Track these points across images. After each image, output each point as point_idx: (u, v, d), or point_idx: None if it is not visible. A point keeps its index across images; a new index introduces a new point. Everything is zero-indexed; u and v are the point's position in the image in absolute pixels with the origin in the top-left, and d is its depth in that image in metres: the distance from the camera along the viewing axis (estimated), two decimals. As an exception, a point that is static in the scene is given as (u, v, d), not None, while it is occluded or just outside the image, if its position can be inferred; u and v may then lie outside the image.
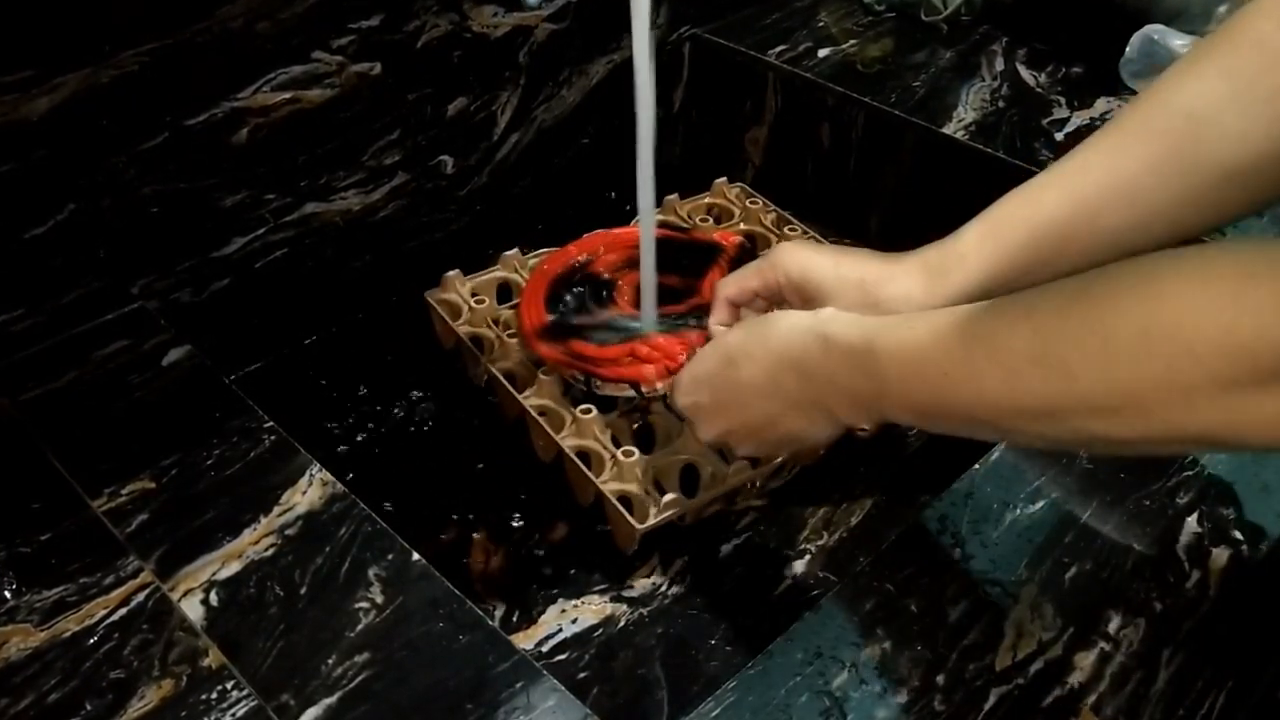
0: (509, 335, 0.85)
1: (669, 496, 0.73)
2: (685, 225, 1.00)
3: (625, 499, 0.74)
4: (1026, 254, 0.63)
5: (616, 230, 0.93)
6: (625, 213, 1.05)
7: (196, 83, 0.81)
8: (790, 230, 1.00)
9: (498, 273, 0.92)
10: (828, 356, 0.58)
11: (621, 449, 0.76)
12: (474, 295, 0.89)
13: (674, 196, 1.03)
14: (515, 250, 0.92)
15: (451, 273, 0.90)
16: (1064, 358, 0.46)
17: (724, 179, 1.06)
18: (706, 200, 1.05)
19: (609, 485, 0.74)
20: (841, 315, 0.59)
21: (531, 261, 0.92)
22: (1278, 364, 0.40)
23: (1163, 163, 0.60)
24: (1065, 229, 0.62)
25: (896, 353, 0.54)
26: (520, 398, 0.80)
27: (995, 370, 0.50)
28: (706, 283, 0.86)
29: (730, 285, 0.73)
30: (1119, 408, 0.45)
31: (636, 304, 0.81)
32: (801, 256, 0.69)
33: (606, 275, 0.87)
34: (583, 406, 0.78)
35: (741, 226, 1.01)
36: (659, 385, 0.78)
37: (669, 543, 0.76)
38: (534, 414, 0.79)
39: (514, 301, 0.89)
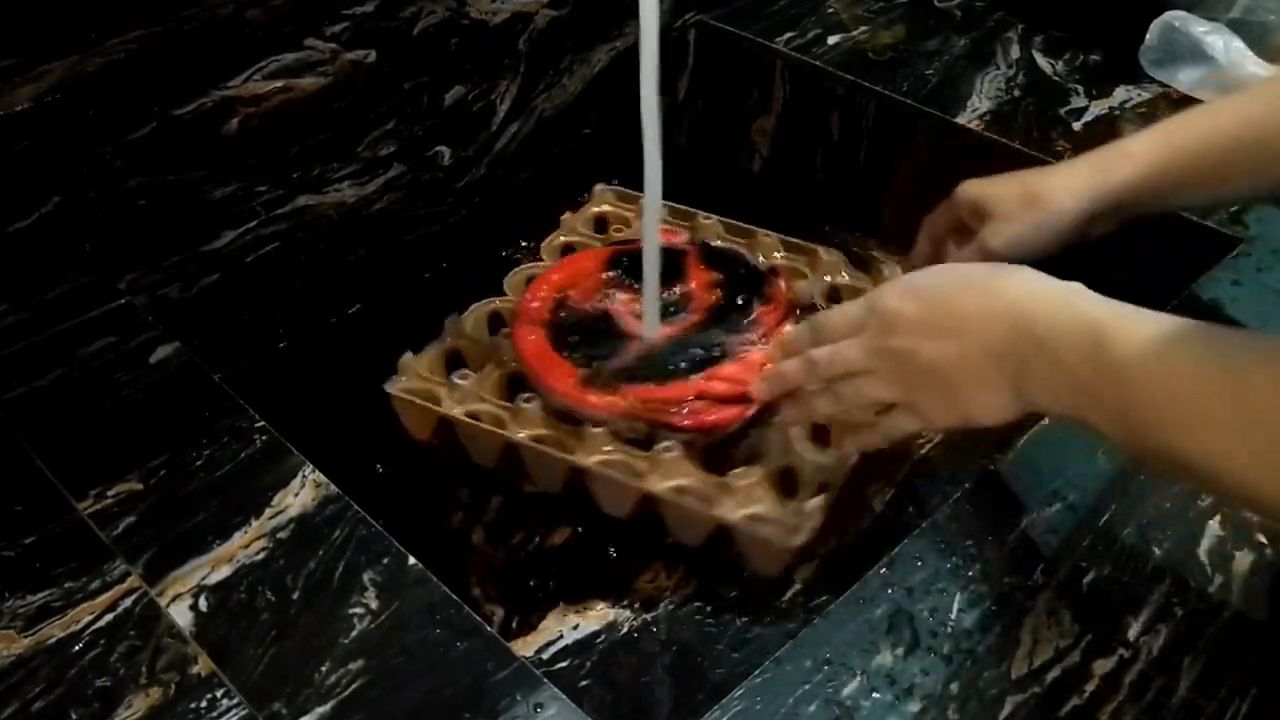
0: (526, 400, 0.77)
1: (812, 503, 0.70)
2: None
3: (758, 520, 0.70)
4: (1194, 161, 0.69)
5: (546, 266, 0.90)
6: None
7: (185, 71, 0.81)
8: (704, 219, 0.95)
9: (446, 343, 0.85)
10: (1058, 326, 0.56)
11: (732, 472, 0.72)
12: (433, 374, 0.82)
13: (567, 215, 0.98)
14: (454, 315, 0.86)
15: (405, 357, 0.82)
16: None
17: (601, 184, 1.01)
18: (592, 210, 0.99)
19: (738, 514, 0.71)
20: (1092, 295, 0.58)
21: (470, 324, 0.86)
22: None
23: None
24: (1235, 143, 0.68)
25: (1138, 349, 0.52)
26: (576, 459, 0.74)
27: (1226, 410, 0.48)
28: (695, 285, 0.84)
29: (929, 226, 0.84)
30: None
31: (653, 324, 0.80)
32: (976, 184, 0.78)
33: (598, 302, 0.84)
34: (662, 445, 0.73)
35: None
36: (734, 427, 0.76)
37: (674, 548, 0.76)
38: (605, 472, 0.74)
39: (490, 369, 0.82)
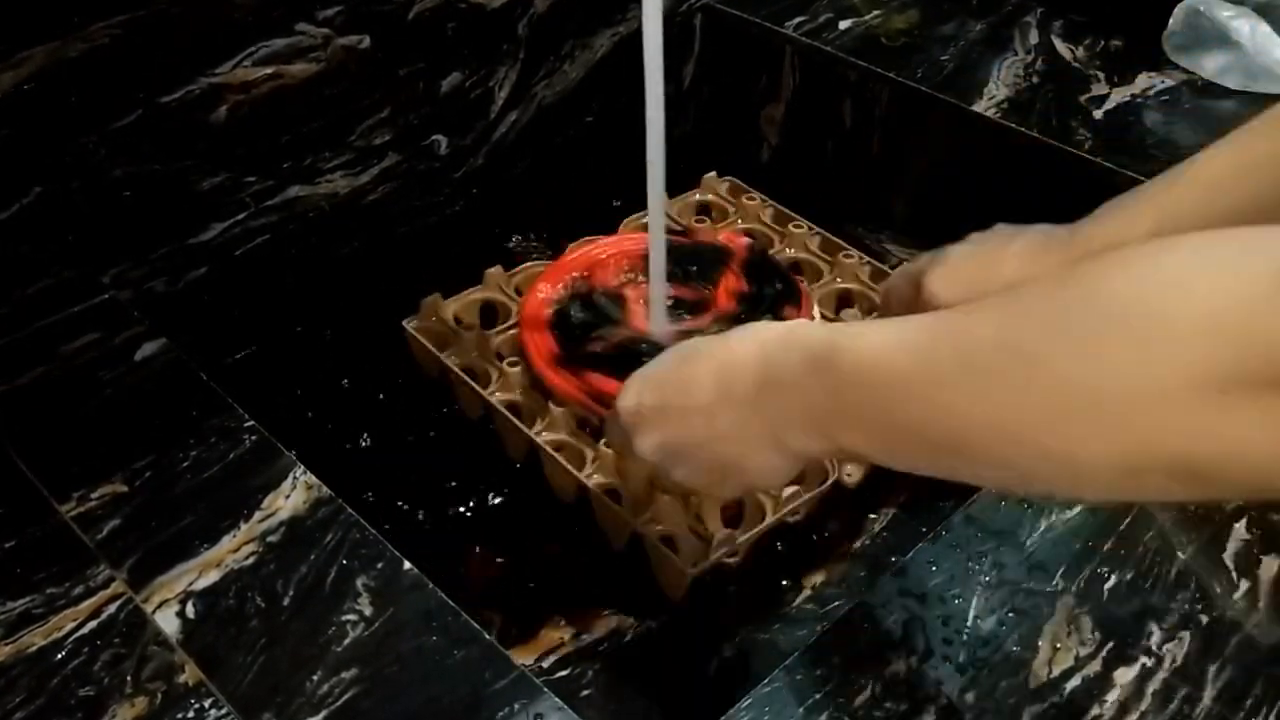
0: (509, 364, 0.82)
1: (721, 534, 0.71)
2: (680, 226, 0.99)
3: (669, 540, 0.72)
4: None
5: (609, 238, 0.92)
6: (628, 200, 1.05)
7: (172, 57, 0.81)
8: (795, 227, 0.99)
9: (481, 293, 0.90)
10: (785, 361, 0.53)
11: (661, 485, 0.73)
12: (457, 320, 0.87)
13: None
14: (498, 267, 0.90)
15: (430, 297, 0.87)
16: (1028, 340, 0.42)
17: (713, 173, 1.06)
18: (696, 198, 1.04)
19: (649, 526, 0.72)
20: (815, 324, 0.58)
21: (517, 278, 0.91)
22: (1268, 365, 0.35)
23: None
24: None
25: (858, 357, 0.49)
26: (531, 433, 0.78)
27: (957, 368, 0.44)
28: (721, 290, 0.85)
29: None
30: (1085, 408, 0.40)
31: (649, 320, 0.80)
32: (954, 287, 0.70)
33: (611, 289, 0.85)
34: (606, 440, 0.76)
35: (739, 225, 1.00)
36: None
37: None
38: (549, 450, 0.76)
39: (507, 324, 0.87)
